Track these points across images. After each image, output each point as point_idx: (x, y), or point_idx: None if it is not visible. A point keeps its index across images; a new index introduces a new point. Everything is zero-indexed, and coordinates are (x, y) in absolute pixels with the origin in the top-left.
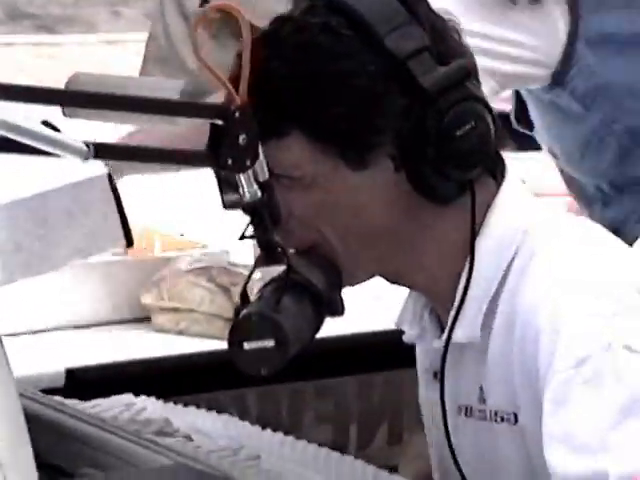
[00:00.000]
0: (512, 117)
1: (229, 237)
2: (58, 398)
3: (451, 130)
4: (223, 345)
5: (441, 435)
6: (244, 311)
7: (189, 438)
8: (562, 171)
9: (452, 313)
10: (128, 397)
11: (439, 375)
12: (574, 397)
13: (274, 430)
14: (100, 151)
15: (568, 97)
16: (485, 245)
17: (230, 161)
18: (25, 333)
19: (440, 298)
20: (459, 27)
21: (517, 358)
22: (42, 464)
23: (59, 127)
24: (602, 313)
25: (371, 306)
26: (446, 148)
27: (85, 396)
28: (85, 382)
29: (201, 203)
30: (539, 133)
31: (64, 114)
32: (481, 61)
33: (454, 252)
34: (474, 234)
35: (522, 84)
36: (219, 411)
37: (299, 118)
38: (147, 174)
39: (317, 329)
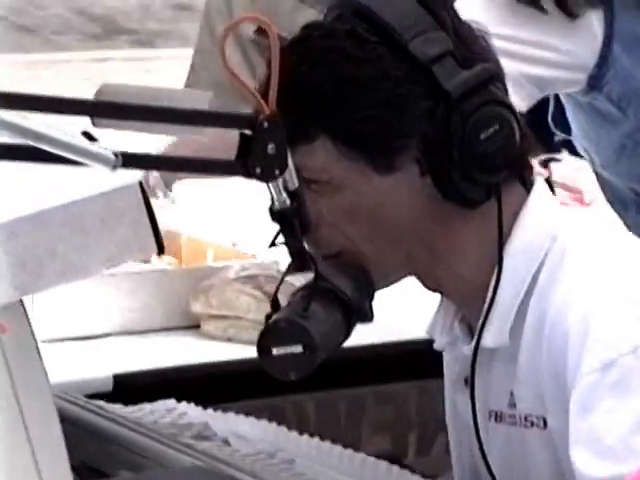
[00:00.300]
0: (550, 120)
1: (280, 248)
2: (100, 402)
3: (475, 133)
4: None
5: (473, 440)
6: (273, 317)
7: (226, 442)
8: (597, 174)
9: (481, 318)
10: (171, 402)
11: (469, 380)
12: (600, 401)
13: (333, 440)
14: (128, 160)
15: (604, 100)
16: (514, 251)
17: (259, 170)
18: (78, 339)
19: (469, 303)
20: (486, 34)
21: (545, 361)
22: (79, 466)
23: (97, 137)
24: (630, 316)
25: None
26: (470, 151)
27: (132, 401)
28: (132, 387)
29: (255, 214)
30: (576, 137)
31: (93, 124)
32: (518, 66)
33: (482, 257)
34: (501, 238)
35: (560, 88)
36: (276, 418)
37: (326, 122)
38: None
39: (347, 335)
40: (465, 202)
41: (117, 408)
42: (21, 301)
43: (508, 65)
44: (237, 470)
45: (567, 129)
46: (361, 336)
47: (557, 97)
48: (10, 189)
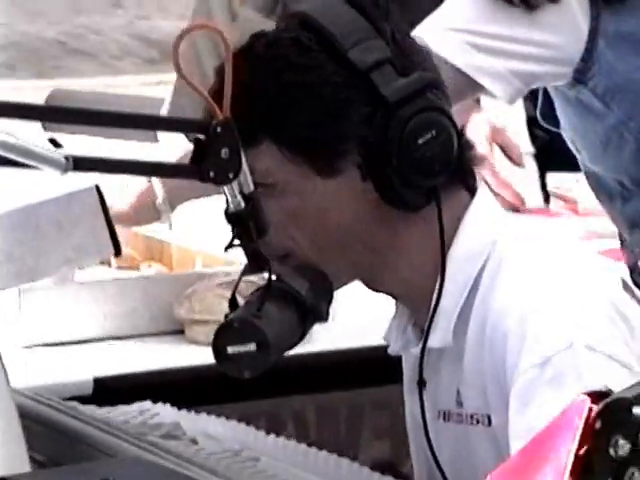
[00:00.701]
0: (538, 114)
1: None
2: (73, 403)
3: (412, 138)
4: None
5: (424, 440)
6: (228, 317)
7: (194, 441)
8: (585, 168)
9: (427, 321)
10: (146, 404)
11: (418, 381)
12: (538, 396)
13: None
14: (79, 164)
15: (590, 94)
16: (456, 255)
17: (213, 174)
18: (63, 344)
19: (417, 306)
20: (426, 47)
21: (487, 360)
22: (44, 461)
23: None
24: (566, 315)
25: None
26: (408, 156)
27: (112, 404)
28: (112, 390)
29: None
30: (565, 130)
31: (44, 129)
32: (505, 64)
33: (427, 261)
34: (443, 242)
35: (546, 82)
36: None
37: (270, 127)
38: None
39: (302, 334)
40: (405, 206)
41: (89, 409)
42: None
43: (495, 63)
44: (198, 467)
45: (556, 123)
46: (364, 338)
47: (545, 91)
48: None
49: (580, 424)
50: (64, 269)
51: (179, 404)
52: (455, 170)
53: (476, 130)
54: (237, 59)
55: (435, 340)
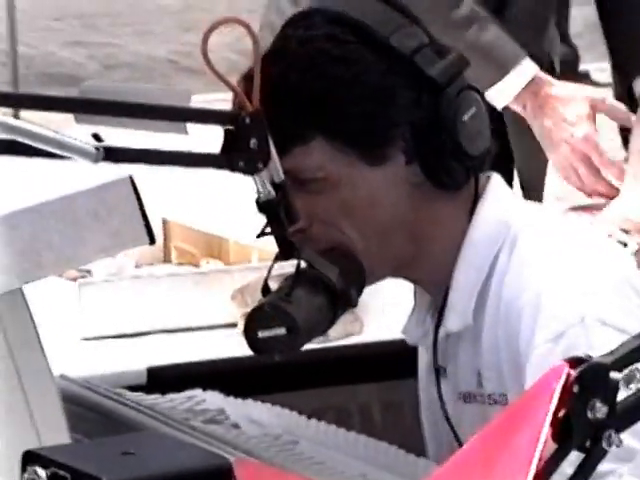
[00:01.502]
0: None
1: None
2: (120, 390)
3: (459, 116)
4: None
5: (444, 424)
6: (259, 302)
7: (236, 426)
8: None
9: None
10: (195, 392)
11: (441, 369)
12: None
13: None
14: (110, 154)
15: None
16: (474, 238)
17: (242, 164)
18: (120, 336)
19: (440, 290)
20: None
21: (503, 339)
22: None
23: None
24: (578, 290)
25: None
26: (456, 132)
27: (163, 393)
28: (165, 380)
29: None
30: None
31: (76, 120)
32: None
33: (454, 240)
34: (472, 215)
35: None
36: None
37: (320, 123)
38: None
39: (332, 320)
40: (451, 184)
41: (138, 396)
42: (20, 289)
43: None
44: (232, 448)
45: None
46: None
47: None
48: (8, 183)
49: (558, 388)
50: (100, 256)
51: (232, 394)
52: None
53: (577, 109)
54: (271, 59)
55: (454, 323)
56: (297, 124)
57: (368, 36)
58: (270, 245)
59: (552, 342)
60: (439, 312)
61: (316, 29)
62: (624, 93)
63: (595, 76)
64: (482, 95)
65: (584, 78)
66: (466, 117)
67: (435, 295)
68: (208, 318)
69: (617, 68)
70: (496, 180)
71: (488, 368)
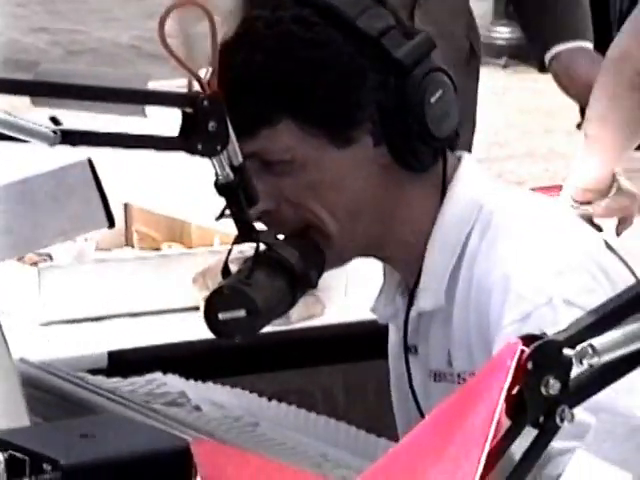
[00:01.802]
0: None
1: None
2: (81, 374)
3: (426, 98)
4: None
5: (411, 403)
6: (218, 284)
7: (198, 408)
8: None
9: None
10: (156, 375)
11: (413, 348)
12: None
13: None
14: (67, 137)
15: None
16: (446, 217)
17: (200, 146)
18: (81, 320)
19: (410, 271)
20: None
21: (473, 319)
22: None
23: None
24: (547, 271)
25: None
26: (423, 115)
27: (125, 377)
28: (125, 363)
29: None
30: None
31: (33, 103)
32: None
33: (424, 221)
34: (444, 196)
35: None
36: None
37: (287, 105)
38: None
39: (292, 301)
40: (418, 166)
41: (98, 379)
42: None
43: None
44: (194, 431)
45: None
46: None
47: None
48: None
49: (512, 365)
50: (59, 240)
51: (193, 377)
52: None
53: None
54: (237, 42)
55: (427, 302)
56: (264, 106)
57: (335, 18)
58: (232, 228)
59: (519, 322)
60: (411, 291)
61: (283, 11)
62: (538, 65)
63: None
64: (450, 77)
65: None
66: (433, 99)
67: (405, 274)
68: (170, 302)
69: (531, 41)
70: (468, 161)
71: (458, 347)
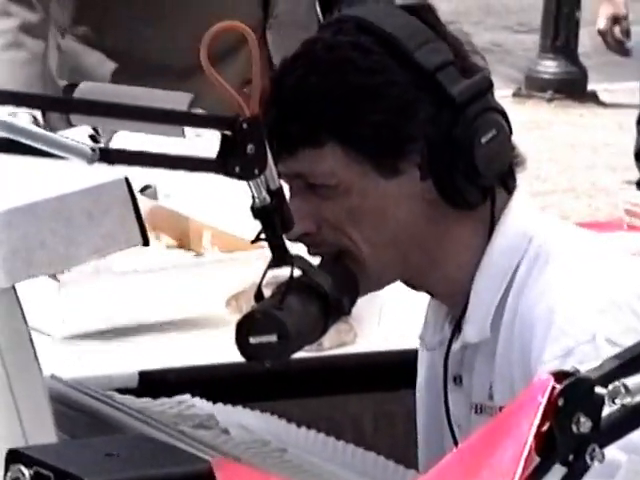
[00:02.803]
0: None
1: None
2: (111, 392)
3: (477, 137)
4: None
5: (447, 434)
6: (251, 309)
7: (226, 431)
8: None
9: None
10: (184, 397)
11: (458, 379)
12: None
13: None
14: (105, 155)
15: None
16: (495, 251)
17: (238, 169)
18: (106, 334)
19: (457, 302)
20: (475, 46)
21: (516, 352)
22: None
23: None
24: (591, 308)
25: None
26: (472, 154)
27: (154, 397)
28: (155, 383)
29: None
30: None
31: (72, 121)
32: None
33: (471, 256)
34: (491, 238)
35: None
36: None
37: (336, 128)
38: None
39: (324, 327)
40: (464, 204)
41: (126, 399)
42: (13, 288)
43: None
44: (220, 454)
45: None
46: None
47: None
48: (3, 181)
49: (543, 401)
50: (93, 257)
51: (222, 400)
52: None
53: None
54: (294, 62)
55: (472, 334)
56: (311, 127)
57: (394, 48)
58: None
59: (561, 358)
60: (457, 322)
61: (344, 36)
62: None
63: (602, 97)
64: (506, 117)
65: (591, 98)
66: (484, 139)
67: (452, 306)
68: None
69: None
70: (519, 194)
71: (500, 381)
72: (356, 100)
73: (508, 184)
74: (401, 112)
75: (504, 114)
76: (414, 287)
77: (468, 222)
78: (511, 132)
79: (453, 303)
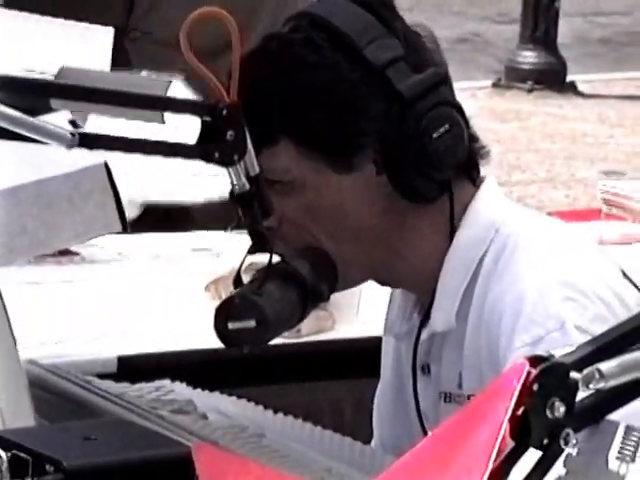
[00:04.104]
0: None
1: None
2: (89, 378)
3: (427, 132)
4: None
5: (415, 421)
6: (229, 294)
7: (204, 417)
8: None
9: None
10: (164, 382)
11: (426, 368)
12: None
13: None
14: (85, 140)
15: None
16: (461, 241)
17: (217, 155)
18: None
19: (425, 292)
20: (434, 37)
21: (484, 341)
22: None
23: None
24: (559, 297)
25: None
26: (423, 149)
27: (132, 382)
28: (134, 369)
29: None
30: None
31: (51, 105)
32: None
33: (435, 249)
34: (453, 231)
35: None
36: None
37: (286, 126)
38: None
39: (302, 313)
40: (419, 198)
41: (105, 383)
42: None
43: None
44: (198, 439)
45: None
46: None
47: None
48: None
49: (518, 386)
50: (73, 242)
51: (201, 386)
52: (464, 162)
53: None
54: (251, 58)
55: (439, 323)
56: (265, 125)
57: (344, 44)
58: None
59: (530, 346)
60: (426, 311)
61: (298, 32)
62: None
63: (581, 87)
64: (461, 111)
65: (570, 89)
66: (435, 134)
67: (420, 296)
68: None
69: None
70: (489, 184)
71: (469, 370)
72: (305, 97)
73: (472, 176)
74: (350, 109)
75: (459, 108)
76: (385, 284)
77: (428, 215)
78: (468, 126)
79: (421, 293)
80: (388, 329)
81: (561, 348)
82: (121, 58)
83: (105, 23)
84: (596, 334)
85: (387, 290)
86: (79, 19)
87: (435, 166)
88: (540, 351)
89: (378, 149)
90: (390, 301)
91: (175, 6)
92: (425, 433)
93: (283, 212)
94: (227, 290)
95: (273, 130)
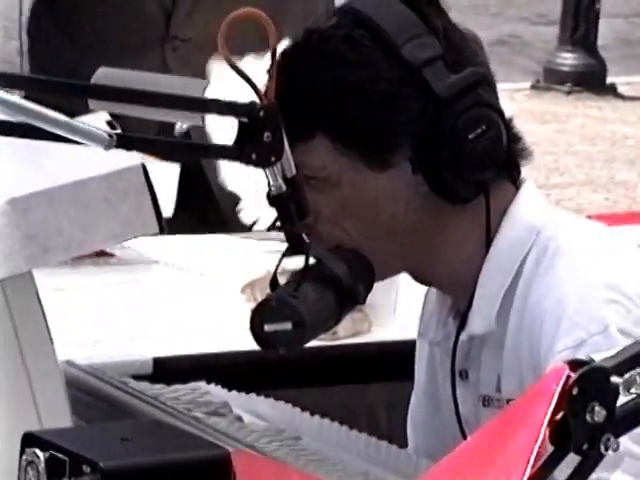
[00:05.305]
0: None
1: None
2: (125, 379)
3: (463, 133)
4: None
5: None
6: (266, 296)
7: (239, 419)
8: None
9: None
10: (199, 384)
11: (464, 374)
12: None
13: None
14: (122, 141)
15: None
16: (501, 243)
17: (254, 156)
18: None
19: (461, 295)
20: (478, 38)
21: (525, 344)
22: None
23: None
24: (602, 299)
25: None
26: (458, 150)
27: (168, 384)
28: (169, 370)
29: None
30: None
31: (90, 106)
32: None
33: (473, 251)
34: (489, 233)
35: None
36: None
37: (324, 121)
38: None
39: (339, 316)
40: (455, 199)
41: (141, 385)
42: (30, 273)
43: None
44: (234, 441)
45: None
46: None
47: None
48: (20, 166)
49: (558, 390)
50: (110, 243)
51: (236, 388)
52: (503, 163)
53: None
54: (291, 53)
55: (478, 326)
56: (301, 120)
57: (383, 42)
58: None
59: (573, 349)
60: (462, 315)
61: (340, 27)
62: None
63: (621, 89)
64: (500, 112)
65: (610, 91)
66: (472, 135)
67: (456, 298)
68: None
69: None
70: (528, 187)
71: (508, 373)
72: (343, 94)
73: (513, 177)
74: (387, 107)
75: (497, 109)
76: (421, 281)
77: (465, 215)
78: (507, 127)
79: (458, 296)
80: (422, 334)
81: (604, 351)
82: (162, 69)
83: (147, 37)
84: (639, 337)
85: (423, 293)
86: (122, 37)
87: (471, 167)
88: (582, 354)
89: (414, 148)
90: (424, 304)
91: (212, 10)
92: (465, 438)
93: (317, 209)
94: (263, 292)
95: (310, 125)
